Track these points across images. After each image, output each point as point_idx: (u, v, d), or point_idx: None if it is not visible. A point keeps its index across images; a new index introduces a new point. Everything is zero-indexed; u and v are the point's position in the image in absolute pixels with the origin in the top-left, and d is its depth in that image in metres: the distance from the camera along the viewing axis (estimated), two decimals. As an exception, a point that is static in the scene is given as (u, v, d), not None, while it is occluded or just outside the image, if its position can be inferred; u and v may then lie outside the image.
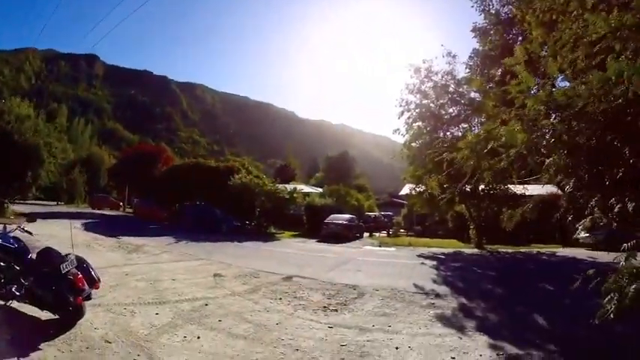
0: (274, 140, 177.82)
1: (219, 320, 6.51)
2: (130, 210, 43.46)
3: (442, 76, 20.22)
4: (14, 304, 6.39)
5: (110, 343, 5.30)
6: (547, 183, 8.75)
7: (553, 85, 6.53)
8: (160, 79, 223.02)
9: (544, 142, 5.88)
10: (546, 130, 5.86)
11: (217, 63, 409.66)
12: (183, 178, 32.29)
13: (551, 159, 5.89)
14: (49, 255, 6.03)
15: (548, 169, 6.10)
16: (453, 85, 19.91)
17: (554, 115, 5.92)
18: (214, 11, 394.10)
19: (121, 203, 48.92)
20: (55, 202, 50.99)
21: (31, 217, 8.03)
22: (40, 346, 5.07)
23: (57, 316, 5.88)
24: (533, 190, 19.52)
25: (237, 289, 8.90)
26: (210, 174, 32.02)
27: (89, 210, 42.69)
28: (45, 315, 6.04)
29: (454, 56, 20.37)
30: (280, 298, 8.17)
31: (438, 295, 8.88)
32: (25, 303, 6.15)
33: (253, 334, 5.91)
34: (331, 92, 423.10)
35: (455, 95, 19.77)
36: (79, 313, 5.88)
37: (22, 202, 32.93)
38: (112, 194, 55.71)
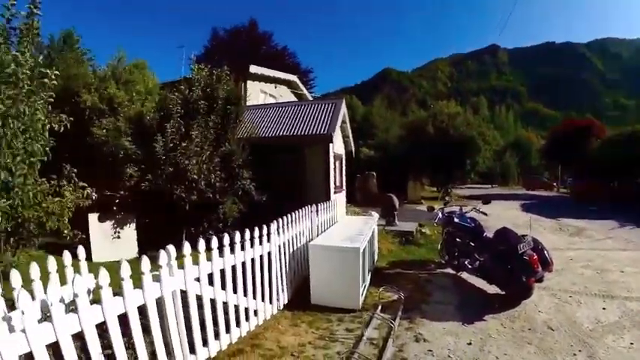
0: None
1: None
2: (564, 190, 41.48)
3: None
4: (464, 275, 7.09)
5: (552, 330, 5.01)
6: None
7: None
8: (563, 46, 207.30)
9: None
10: None
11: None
12: (619, 151, 27.66)
13: None
14: (506, 235, 6.26)
15: None
16: None
17: None
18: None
19: (554, 183, 47.32)
20: (490, 185, 55.07)
21: (486, 199, 8.66)
22: (484, 317, 5.30)
23: (503, 293, 6.02)
24: None
25: None
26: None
27: (523, 191, 43.25)
28: (491, 289, 6.26)
29: None
30: None
31: None
32: (476, 276, 6.62)
33: None
34: None
35: None
36: (526, 293, 5.84)
37: (461, 186, 37.22)
38: (543, 175, 55.07)
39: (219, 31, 42.64)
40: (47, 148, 5.65)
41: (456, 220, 7.53)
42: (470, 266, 6.75)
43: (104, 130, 9.52)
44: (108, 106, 10.56)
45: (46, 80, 5.63)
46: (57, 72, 5.81)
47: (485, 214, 8.10)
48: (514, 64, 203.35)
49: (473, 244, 6.91)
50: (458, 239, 7.35)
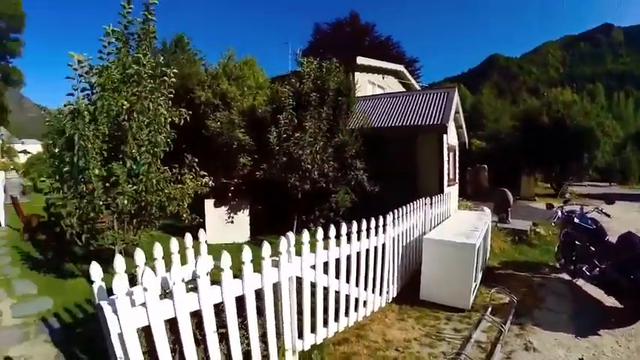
0: None
1: None
2: (692, 192, 36.04)
3: None
4: (579, 282, 6.43)
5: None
6: None
7: None
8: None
9: None
10: None
11: None
12: None
13: None
14: (631, 240, 5.49)
15: None
16: None
17: None
18: None
19: (680, 184, 41.23)
20: (608, 183, 49.58)
21: (610, 199, 7.69)
22: (599, 332, 4.80)
23: (621, 306, 5.35)
24: None
25: None
26: None
27: (647, 192, 38.60)
28: (609, 301, 5.65)
29: None
30: None
31: None
32: (592, 284, 5.96)
33: None
34: None
35: None
36: None
37: (577, 183, 33.83)
38: (668, 173, 48.27)
39: (321, 26, 43.13)
40: (169, 140, 6.09)
41: (575, 220, 6.78)
42: (588, 273, 6.02)
43: (218, 123, 10.03)
44: (221, 100, 11.12)
45: (165, 78, 6.10)
46: (175, 70, 6.24)
47: (609, 215, 7.28)
48: (630, 44, 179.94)
49: (593, 249, 6.17)
50: (577, 242, 6.63)
